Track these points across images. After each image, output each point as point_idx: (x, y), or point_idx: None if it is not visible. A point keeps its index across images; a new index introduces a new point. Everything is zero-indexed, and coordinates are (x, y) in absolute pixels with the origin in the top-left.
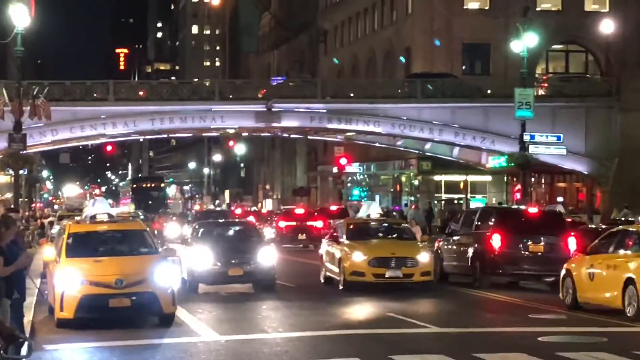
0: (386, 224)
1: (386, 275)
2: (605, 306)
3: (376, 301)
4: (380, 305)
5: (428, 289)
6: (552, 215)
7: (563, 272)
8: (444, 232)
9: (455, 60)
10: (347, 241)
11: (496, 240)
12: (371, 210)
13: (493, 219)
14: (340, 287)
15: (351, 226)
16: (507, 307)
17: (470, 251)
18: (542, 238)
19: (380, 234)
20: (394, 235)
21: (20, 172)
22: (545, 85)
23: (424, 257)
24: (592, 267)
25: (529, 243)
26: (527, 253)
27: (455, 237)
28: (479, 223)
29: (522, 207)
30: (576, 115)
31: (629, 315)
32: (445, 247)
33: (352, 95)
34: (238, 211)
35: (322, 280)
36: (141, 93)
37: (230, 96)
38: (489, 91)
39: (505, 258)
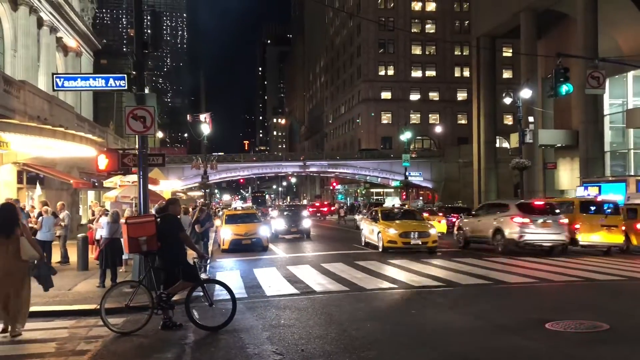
0: (405, 210)
1: (411, 243)
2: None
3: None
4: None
5: (435, 251)
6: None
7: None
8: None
9: (379, 142)
10: (382, 221)
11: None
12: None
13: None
14: (380, 250)
15: (385, 211)
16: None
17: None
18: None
19: (403, 217)
20: (411, 217)
21: (207, 191)
22: (414, 153)
23: (432, 231)
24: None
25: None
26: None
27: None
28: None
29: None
30: (427, 165)
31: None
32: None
33: (337, 157)
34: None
35: (363, 244)
36: (254, 158)
37: (289, 159)
38: (392, 155)
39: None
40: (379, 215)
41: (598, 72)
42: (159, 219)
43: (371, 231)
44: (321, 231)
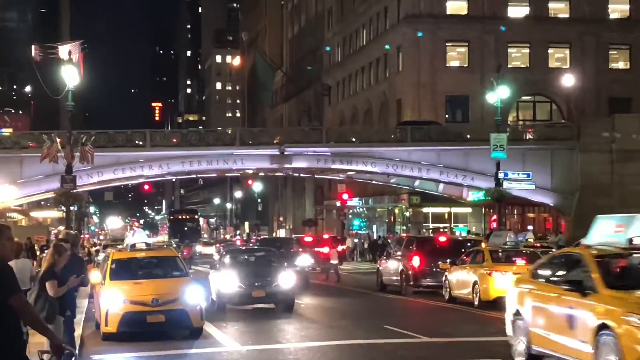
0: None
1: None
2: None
3: None
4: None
5: None
6: (456, 241)
7: (443, 277)
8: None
9: (440, 109)
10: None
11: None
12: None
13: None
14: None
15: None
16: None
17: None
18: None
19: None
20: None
21: (71, 208)
22: (526, 131)
23: None
24: (459, 274)
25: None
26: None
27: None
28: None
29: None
30: (543, 156)
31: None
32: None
33: (352, 140)
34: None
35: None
36: (173, 140)
37: (249, 142)
38: (468, 136)
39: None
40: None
41: None
42: None
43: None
44: (320, 294)
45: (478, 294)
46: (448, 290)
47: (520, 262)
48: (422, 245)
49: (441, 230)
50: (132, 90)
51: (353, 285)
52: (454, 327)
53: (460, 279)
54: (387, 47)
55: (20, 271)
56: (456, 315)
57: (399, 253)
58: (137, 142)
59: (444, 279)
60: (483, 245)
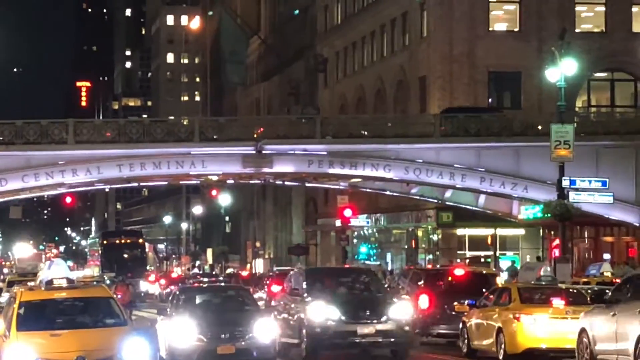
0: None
1: None
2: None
3: None
4: None
5: None
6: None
7: (460, 324)
8: None
9: (480, 91)
10: None
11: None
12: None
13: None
14: None
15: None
16: None
17: None
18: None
19: None
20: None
21: None
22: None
23: None
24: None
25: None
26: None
27: None
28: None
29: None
30: (625, 156)
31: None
32: None
33: (358, 134)
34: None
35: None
36: (107, 134)
37: (213, 137)
38: (519, 130)
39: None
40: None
41: None
42: None
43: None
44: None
45: (503, 345)
46: (466, 340)
47: (558, 302)
48: (432, 280)
49: (483, 259)
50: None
51: None
52: None
53: (482, 325)
54: (410, 8)
55: None
56: None
57: (402, 291)
58: (55, 137)
59: (461, 325)
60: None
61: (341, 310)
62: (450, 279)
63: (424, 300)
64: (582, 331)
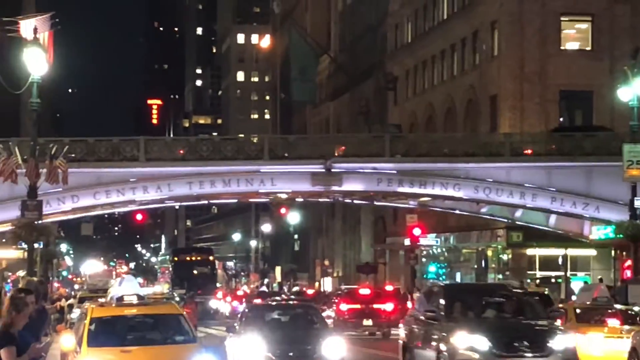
0: None
1: None
2: None
3: None
4: None
5: None
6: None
7: None
8: None
9: (551, 110)
10: None
11: None
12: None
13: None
14: None
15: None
16: None
17: None
18: None
19: None
20: None
21: (35, 245)
22: None
23: None
24: None
25: None
26: None
27: None
28: None
29: None
30: None
31: None
32: None
33: (428, 152)
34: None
35: None
36: (180, 152)
37: (283, 155)
38: (597, 147)
39: None
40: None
41: None
42: None
43: None
44: None
45: None
46: None
47: (613, 322)
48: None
49: (553, 280)
50: (121, 84)
51: None
52: None
53: None
54: (482, 24)
55: None
56: None
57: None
58: (126, 154)
59: None
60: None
61: (492, 340)
62: None
63: None
64: (633, 350)
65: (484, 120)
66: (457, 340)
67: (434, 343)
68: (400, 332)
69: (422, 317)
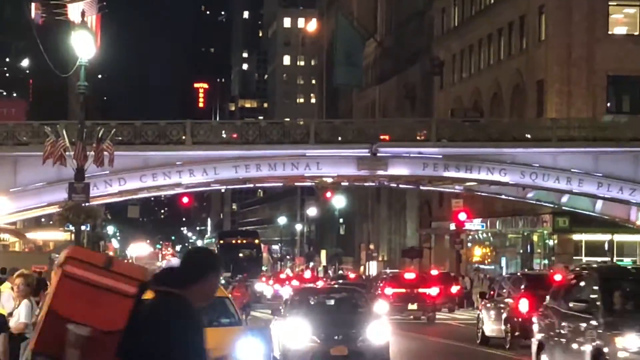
0: None
1: None
2: None
3: None
4: None
5: None
6: None
7: None
8: None
9: (599, 95)
10: None
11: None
12: None
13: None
14: None
15: None
16: None
17: None
18: None
19: None
20: None
21: (82, 227)
22: None
23: None
24: None
25: None
26: None
27: None
28: None
29: None
30: None
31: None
32: None
33: (474, 137)
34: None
35: None
36: (224, 135)
37: (328, 139)
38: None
39: None
40: None
41: None
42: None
43: None
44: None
45: None
46: None
47: None
48: (533, 284)
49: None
50: (167, 67)
51: (446, 336)
52: None
53: None
54: (529, 8)
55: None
56: None
57: (505, 295)
58: (173, 137)
59: None
60: None
61: None
62: (550, 282)
63: (523, 304)
64: None
65: (531, 105)
66: (627, 343)
67: (587, 345)
68: (534, 327)
69: (565, 311)
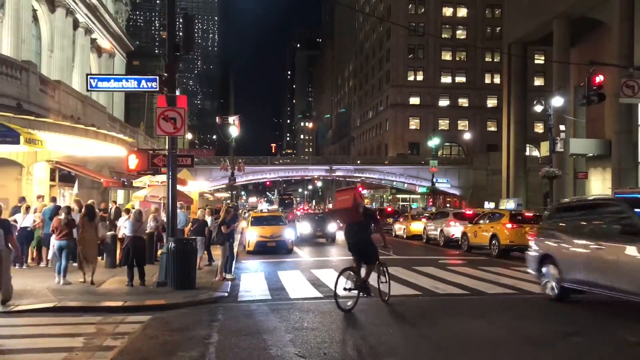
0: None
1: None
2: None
3: None
4: None
5: None
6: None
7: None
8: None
9: (406, 148)
10: None
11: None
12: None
13: None
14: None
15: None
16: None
17: None
18: None
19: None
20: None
21: (234, 192)
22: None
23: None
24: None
25: None
26: None
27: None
28: None
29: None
30: (455, 171)
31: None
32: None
33: (363, 162)
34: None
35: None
36: (280, 161)
37: (317, 162)
38: (422, 162)
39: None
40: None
41: (633, 80)
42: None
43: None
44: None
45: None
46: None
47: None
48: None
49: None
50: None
51: None
52: None
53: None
54: (382, 120)
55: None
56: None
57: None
58: (263, 162)
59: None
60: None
61: None
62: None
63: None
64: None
65: (386, 151)
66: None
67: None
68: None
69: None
